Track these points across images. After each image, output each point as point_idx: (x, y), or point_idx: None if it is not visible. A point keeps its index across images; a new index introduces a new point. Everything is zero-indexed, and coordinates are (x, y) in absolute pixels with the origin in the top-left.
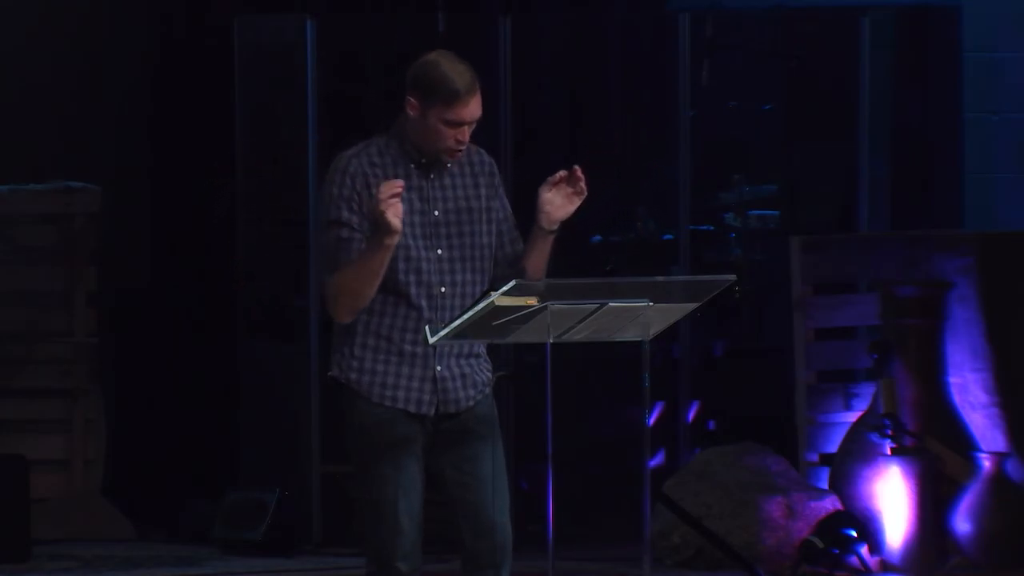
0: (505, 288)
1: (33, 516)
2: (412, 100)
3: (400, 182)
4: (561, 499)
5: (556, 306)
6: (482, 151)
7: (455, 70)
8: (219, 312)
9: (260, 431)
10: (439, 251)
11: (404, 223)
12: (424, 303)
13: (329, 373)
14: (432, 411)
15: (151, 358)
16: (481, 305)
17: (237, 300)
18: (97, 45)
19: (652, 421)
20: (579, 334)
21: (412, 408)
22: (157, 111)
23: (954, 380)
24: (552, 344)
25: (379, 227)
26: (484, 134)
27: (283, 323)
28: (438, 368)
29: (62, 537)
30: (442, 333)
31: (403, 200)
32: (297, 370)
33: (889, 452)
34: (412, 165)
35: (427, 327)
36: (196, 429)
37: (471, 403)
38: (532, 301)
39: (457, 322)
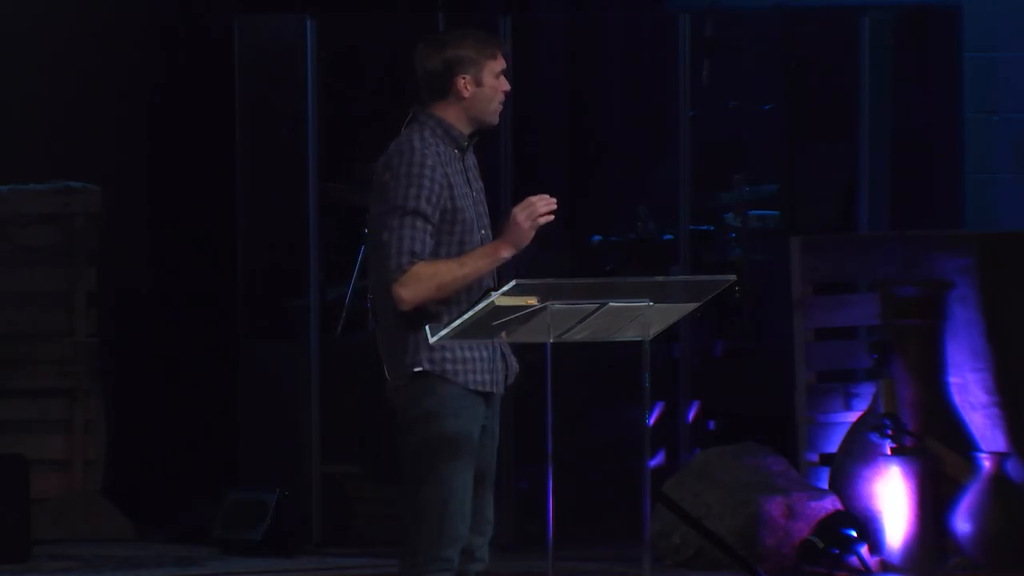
0: (505, 288)
1: (33, 516)
2: (463, 78)
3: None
4: (561, 499)
5: (556, 306)
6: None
7: (468, 31)
8: (219, 312)
9: (260, 431)
10: (482, 231)
11: (467, 204)
12: (489, 281)
13: (415, 369)
14: (502, 389)
15: (151, 358)
16: (481, 305)
17: (237, 300)
18: (97, 45)
19: (652, 421)
20: (579, 334)
21: (494, 388)
22: (157, 111)
23: (954, 380)
24: (552, 344)
25: (514, 239)
26: (483, 134)
27: (283, 323)
28: (500, 346)
29: (62, 537)
30: (443, 332)
31: (457, 185)
32: (297, 370)
33: (889, 452)
34: (456, 151)
35: (427, 326)
36: (196, 429)
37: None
38: (532, 301)
39: (458, 322)
